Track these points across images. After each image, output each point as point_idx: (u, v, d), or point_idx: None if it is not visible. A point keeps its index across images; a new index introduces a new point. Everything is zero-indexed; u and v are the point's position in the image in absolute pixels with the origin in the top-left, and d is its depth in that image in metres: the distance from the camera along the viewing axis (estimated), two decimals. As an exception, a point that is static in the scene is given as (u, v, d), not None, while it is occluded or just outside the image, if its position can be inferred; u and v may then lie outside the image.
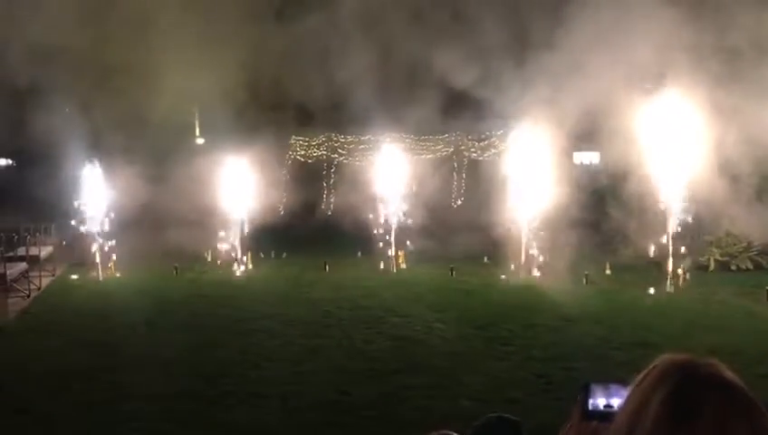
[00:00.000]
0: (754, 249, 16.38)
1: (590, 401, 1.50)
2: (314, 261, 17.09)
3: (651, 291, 13.84)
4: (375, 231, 17.38)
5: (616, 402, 1.50)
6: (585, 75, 13.99)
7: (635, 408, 1.26)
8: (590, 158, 24.64)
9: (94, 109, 17.60)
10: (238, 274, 16.48)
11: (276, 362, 9.54)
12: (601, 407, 1.49)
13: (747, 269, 16.11)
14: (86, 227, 16.17)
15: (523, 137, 15.30)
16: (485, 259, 17.15)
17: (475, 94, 16.78)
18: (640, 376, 1.32)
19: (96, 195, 16.13)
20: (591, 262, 15.76)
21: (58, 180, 16.88)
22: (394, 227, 17.15)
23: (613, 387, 1.50)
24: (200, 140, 27.49)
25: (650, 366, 1.32)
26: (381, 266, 16.78)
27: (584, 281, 14.69)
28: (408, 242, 17.44)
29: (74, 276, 15.99)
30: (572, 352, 9.78)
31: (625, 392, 1.50)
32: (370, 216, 17.54)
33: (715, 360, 1.29)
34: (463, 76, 16.47)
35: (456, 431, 3.07)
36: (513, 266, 15.83)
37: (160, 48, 16.72)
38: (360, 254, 17.84)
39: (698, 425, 1.18)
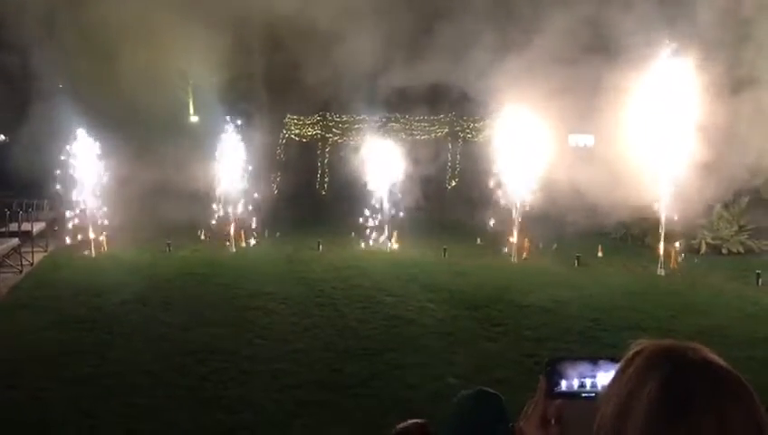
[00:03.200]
0: (745, 233, 16.48)
1: (556, 379, 1.49)
2: (308, 240, 17.12)
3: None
4: (369, 211, 17.39)
5: (589, 381, 1.49)
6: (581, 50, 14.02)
7: (621, 404, 1.20)
8: (584, 140, 24.60)
9: (88, 84, 17.49)
10: (231, 252, 16.49)
11: (268, 339, 9.59)
12: (566, 384, 1.48)
13: (738, 253, 16.22)
14: (78, 204, 16.15)
15: (517, 118, 15.24)
16: (478, 240, 17.20)
17: (468, 76, 16.72)
18: (621, 366, 1.26)
19: (89, 171, 16.10)
20: (583, 244, 15.83)
21: (51, 156, 16.79)
22: (388, 207, 17.16)
23: (579, 363, 1.49)
24: (194, 118, 27.36)
25: (630, 354, 1.25)
26: (374, 247, 16.81)
27: (576, 263, 14.77)
28: (401, 222, 17.44)
29: (67, 252, 16.00)
30: (563, 334, 9.87)
31: (592, 369, 1.49)
32: (365, 196, 17.52)
33: (697, 343, 1.25)
34: (455, 56, 16.46)
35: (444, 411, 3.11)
36: (506, 248, 15.90)
37: (153, 21, 16.58)
38: (353, 234, 17.86)
39: (695, 417, 1.13)
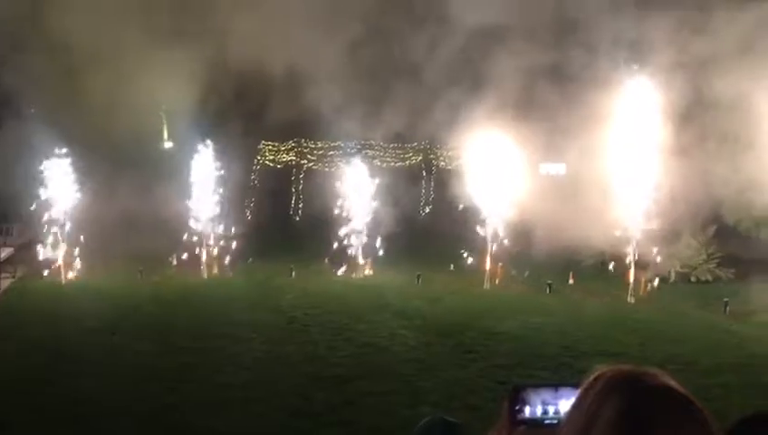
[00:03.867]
0: (714, 261, 16.71)
1: (519, 405, 1.51)
2: (281, 267, 17.01)
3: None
4: (342, 238, 17.36)
5: (551, 408, 1.51)
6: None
7: (581, 428, 1.23)
8: (556, 168, 24.89)
9: (60, 109, 17.34)
10: (203, 278, 16.34)
11: (239, 367, 9.50)
12: (530, 411, 1.50)
13: (707, 281, 16.42)
14: (49, 229, 15.93)
15: (489, 148, 15.40)
16: (451, 267, 17.24)
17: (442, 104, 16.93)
18: (581, 391, 1.29)
19: (60, 197, 15.92)
20: (555, 271, 15.94)
21: (21, 181, 16.57)
22: (361, 233, 17.16)
23: (542, 390, 1.52)
24: (168, 144, 27.23)
25: (590, 379, 1.29)
26: (348, 273, 16.78)
27: (547, 290, 14.87)
28: (375, 249, 17.43)
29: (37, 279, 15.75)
30: (534, 360, 9.90)
31: (555, 396, 1.52)
32: (339, 222, 17.50)
33: (655, 369, 1.29)
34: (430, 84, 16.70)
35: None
36: (479, 274, 15.96)
37: (126, 46, 16.55)
38: (327, 260, 17.80)
39: None
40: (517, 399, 1.52)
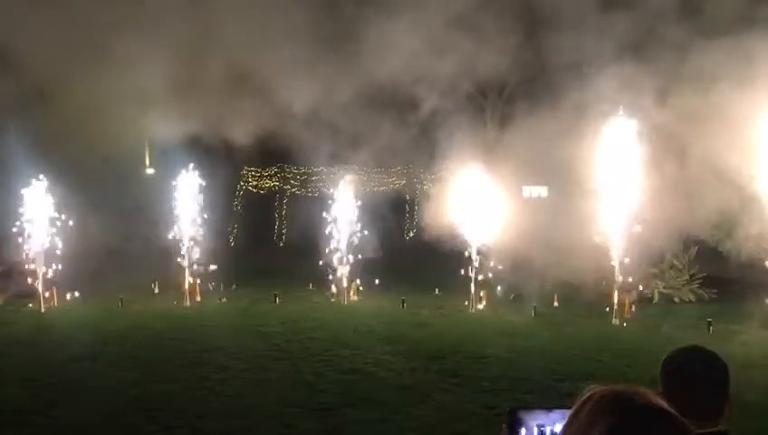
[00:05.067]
0: (696, 282, 16.79)
1: (517, 428, 1.53)
2: (264, 293, 16.90)
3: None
4: (327, 263, 17.28)
5: (548, 429, 1.52)
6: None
7: None
8: (538, 191, 25.03)
9: (41, 134, 17.21)
10: (185, 305, 16.17)
11: (221, 395, 9.36)
12: (526, 433, 1.51)
13: (690, 302, 16.50)
14: (28, 256, 15.72)
15: (471, 172, 15.48)
16: (436, 291, 17.20)
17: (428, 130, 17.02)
18: (573, 411, 1.31)
19: (39, 222, 15.72)
20: (539, 294, 15.95)
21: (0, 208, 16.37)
22: (346, 258, 17.09)
23: (539, 412, 1.53)
24: (150, 170, 27.09)
25: (582, 399, 1.31)
26: (332, 299, 16.69)
27: (532, 313, 14.85)
28: (359, 274, 17.36)
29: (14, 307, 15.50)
30: (520, 384, 9.86)
31: (551, 418, 1.52)
32: (323, 247, 17.43)
33: (644, 388, 1.30)
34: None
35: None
36: (465, 301, 15.92)
37: (107, 73, 16.49)
38: (311, 286, 17.71)
39: None
40: (515, 421, 1.54)
